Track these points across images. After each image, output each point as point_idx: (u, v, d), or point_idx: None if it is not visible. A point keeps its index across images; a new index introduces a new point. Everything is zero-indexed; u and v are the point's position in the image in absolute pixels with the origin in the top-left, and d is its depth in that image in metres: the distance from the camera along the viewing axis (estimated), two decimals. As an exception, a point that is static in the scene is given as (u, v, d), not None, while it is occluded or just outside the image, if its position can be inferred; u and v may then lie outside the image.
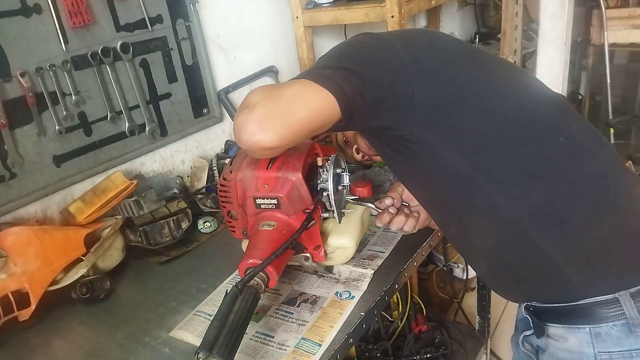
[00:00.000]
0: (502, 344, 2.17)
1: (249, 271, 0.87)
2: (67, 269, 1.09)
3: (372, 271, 1.05)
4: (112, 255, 1.18)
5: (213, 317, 0.80)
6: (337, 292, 1.02)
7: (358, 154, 1.24)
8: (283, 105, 0.77)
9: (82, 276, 1.09)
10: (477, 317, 1.82)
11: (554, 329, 0.87)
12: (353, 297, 1.00)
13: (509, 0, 2.26)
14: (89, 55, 1.25)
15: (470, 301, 2.38)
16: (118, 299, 1.12)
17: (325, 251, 1.03)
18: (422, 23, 2.65)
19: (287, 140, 0.78)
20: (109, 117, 1.32)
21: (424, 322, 1.82)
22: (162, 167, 1.51)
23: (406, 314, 1.79)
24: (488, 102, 0.85)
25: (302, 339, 0.91)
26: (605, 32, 2.62)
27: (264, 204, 0.98)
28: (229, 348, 0.76)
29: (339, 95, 0.77)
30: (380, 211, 1.04)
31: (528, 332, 0.92)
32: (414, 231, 1.06)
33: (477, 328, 1.84)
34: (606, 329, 0.81)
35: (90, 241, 1.14)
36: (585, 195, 0.82)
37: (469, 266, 2.38)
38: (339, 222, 1.02)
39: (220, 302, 1.00)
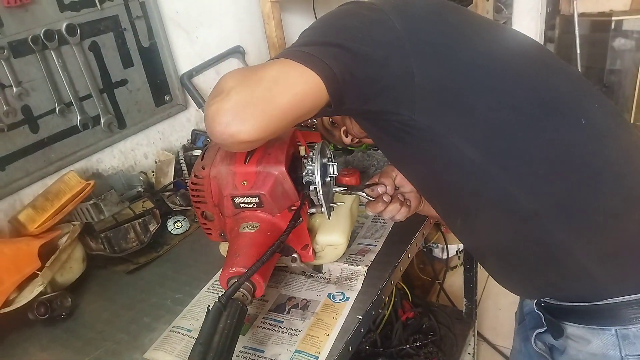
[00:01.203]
0: (485, 322, 2.16)
1: (233, 282, 0.77)
2: (21, 287, 0.96)
3: (366, 268, 0.97)
4: (71, 268, 1.05)
5: (195, 339, 0.69)
6: (329, 294, 0.93)
7: (347, 137, 1.13)
8: (262, 90, 0.66)
9: (40, 294, 0.96)
10: (464, 299, 1.78)
11: (573, 329, 0.79)
12: (347, 298, 0.91)
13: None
14: (29, 40, 1.08)
15: (452, 280, 2.37)
16: (82, 317, 0.99)
17: (314, 250, 0.93)
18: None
19: (268, 132, 0.67)
20: (57, 109, 1.16)
21: (411, 309, 1.76)
22: (123, 163, 1.36)
23: (392, 302, 1.73)
24: (499, 80, 0.74)
25: (297, 351, 0.82)
26: (575, 2, 2.58)
27: (243, 203, 0.87)
28: (218, 376, 0.66)
29: (326, 75, 0.66)
30: (373, 199, 0.94)
31: (540, 330, 0.85)
32: (403, 219, 0.98)
33: (464, 310, 1.80)
34: (635, 331, 0.74)
35: (46, 253, 1.00)
36: (610, 183, 0.74)
37: (448, 246, 2.36)
38: (329, 218, 0.92)
39: (202, 318, 0.90)
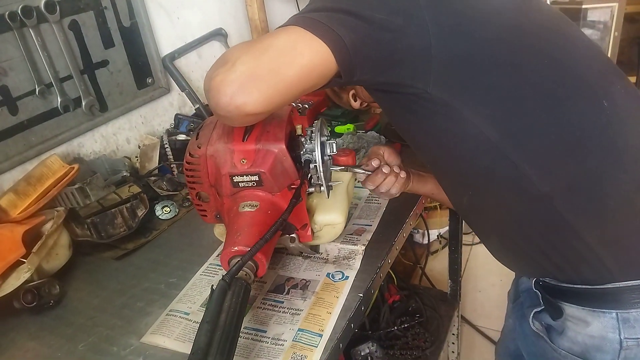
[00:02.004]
0: (465, 304, 2.20)
1: (236, 260, 0.75)
2: (6, 275, 0.91)
3: (363, 247, 0.96)
4: (57, 254, 1.00)
5: (202, 319, 0.67)
6: (328, 274, 0.92)
7: (355, 100, 1.10)
8: (268, 61, 0.64)
9: (26, 282, 0.91)
10: (449, 281, 1.80)
11: (572, 310, 0.80)
12: (347, 277, 0.91)
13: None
14: (6, 16, 1.03)
15: (432, 265, 2.40)
16: (71, 304, 0.95)
17: (312, 230, 0.92)
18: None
19: (274, 104, 0.66)
20: (37, 91, 1.11)
21: (397, 292, 1.78)
22: (105, 147, 1.32)
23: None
24: (523, 57, 0.71)
25: (300, 330, 0.81)
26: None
27: (242, 182, 0.85)
28: (226, 353, 0.65)
29: (336, 45, 0.64)
30: (370, 173, 0.94)
31: (538, 309, 0.85)
32: (398, 193, 0.98)
33: (448, 292, 1.83)
34: (635, 315, 0.74)
35: (30, 239, 0.96)
36: (627, 169, 0.73)
37: (429, 231, 2.39)
38: (328, 197, 0.91)
39: (199, 301, 0.89)
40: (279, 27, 0.68)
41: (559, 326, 0.83)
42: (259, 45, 0.66)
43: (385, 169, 0.94)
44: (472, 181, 0.80)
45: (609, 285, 0.75)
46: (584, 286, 0.77)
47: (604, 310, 0.76)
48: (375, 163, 0.94)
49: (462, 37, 0.69)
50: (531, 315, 0.86)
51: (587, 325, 0.78)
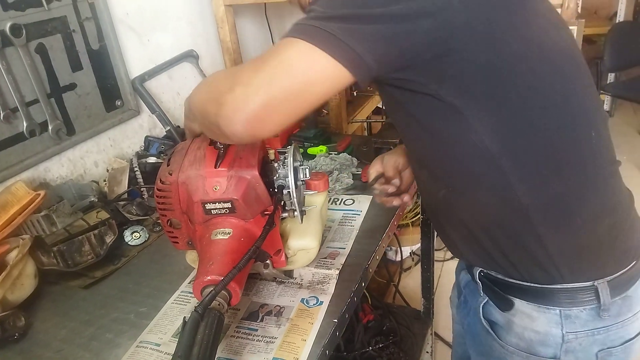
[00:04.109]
0: (438, 322, 2.22)
1: (209, 290, 0.74)
2: (-34, 308, 0.88)
3: (337, 271, 0.96)
4: (23, 285, 0.97)
5: (174, 353, 0.66)
6: (302, 299, 0.92)
7: None
8: (284, 89, 0.62)
9: (-12, 315, 0.88)
10: (422, 299, 1.82)
11: (519, 304, 0.84)
12: (321, 302, 0.91)
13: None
14: (-30, 40, 1.00)
15: (405, 282, 2.41)
16: (37, 336, 0.92)
17: (286, 255, 0.92)
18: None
19: (286, 126, 0.67)
20: (1, 116, 1.08)
21: (371, 311, 1.78)
22: (72, 172, 1.29)
23: (352, 305, 1.74)
24: (540, 79, 0.70)
25: (274, 359, 0.80)
26: None
27: (215, 209, 0.84)
28: (200, 388, 0.63)
29: (355, 66, 0.62)
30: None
31: (484, 300, 0.89)
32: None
33: (422, 310, 1.84)
34: (576, 312, 0.81)
35: (-7, 270, 0.93)
36: (597, 191, 0.77)
37: (402, 248, 2.41)
38: (301, 222, 0.91)
39: (170, 331, 0.88)
40: (289, 36, 0.64)
41: (506, 322, 0.87)
42: (271, 67, 0.63)
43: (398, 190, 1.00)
44: (456, 181, 0.81)
45: (557, 286, 0.80)
46: (532, 284, 0.82)
47: (549, 307, 0.81)
48: (391, 190, 1.00)
49: (491, 47, 0.66)
50: (481, 308, 0.90)
51: (533, 320, 0.83)
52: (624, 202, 0.82)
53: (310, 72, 0.63)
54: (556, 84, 0.72)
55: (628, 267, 0.81)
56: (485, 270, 0.89)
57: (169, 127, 1.45)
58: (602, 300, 0.79)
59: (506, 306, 0.86)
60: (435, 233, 1.63)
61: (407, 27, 0.62)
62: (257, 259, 0.86)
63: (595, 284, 0.79)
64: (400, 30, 0.62)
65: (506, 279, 0.85)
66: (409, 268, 2.49)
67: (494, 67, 0.67)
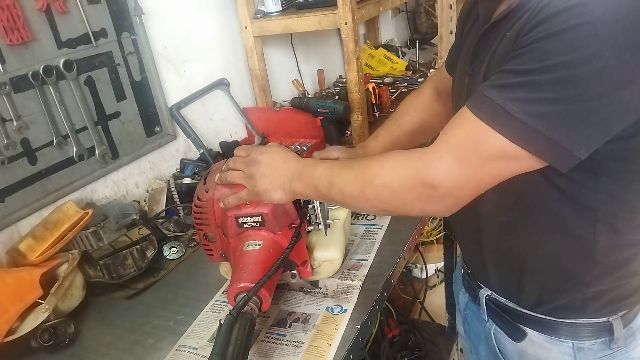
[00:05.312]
0: (467, 338, 2.22)
1: (242, 296, 0.81)
2: (24, 316, 0.97)
3: (360, 282, 1.02)
4: (72, 295, 1.06)
5: (211, 351, 0.74)
6: (327, 307, 0.98)
7: None
8: (480, 180, 0.66)
9: (43, 322, 0.97)
10: (447, 314, 1.84)
11: (531, 334, 0.84)
12: (345, 310, 0.96)
13: (443, 6, 2.33)
14: (29, 76, 1.13)
15: (431, 299, 2.43)
16: (85, 342, 1.00)
17: (311, 266, 0.99)
18: (361, 30, 2.68)
19: None
20: (55, 142, 1.20)
21: (396, 326, 1.82)
22: (115, 192, 1.40)
23: (378, 321, 1.78)
24: None
25: (302, 361, 0.86)
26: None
27: (247, 222, 0.92)
28: (234, 383, 0.70)
29: (554, 157, 0.61)
30: None
31: (491, 327, 0.90)
32: None
33: (447, 325, 1.86)
34: (589, 345, 0.82)
35: (46, 281, 1.02)
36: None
37: (427, 265, 2.43)
38: (325, 234, 0.98)
39: (206, 336, 0.95)
40: (488, 121, 0.61)
41: (517, 352, 0.88)
42: (472, 172, 0.64)
43: None
44: (535, 217, 0.77)
45: (574, 321, 0.81)
46: (548, 317, 0.82)
47: (562, 339, 0.82)
48: None
49: None
50: (493, 336, 0.91)
51: (547, 351, 0.83)
52: None
53: (503, 165, 0.65)
54: None
55: (639, 305, 0.83)
56: (493, 295, 0.89)
57: (202, 150, 1.56)
58: (616, 334, 0.80)
59: (518, 336, 0.86)
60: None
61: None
62: (285, 268, 0.93)
63: (610, 319, 0.80)
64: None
65: (520, 309, 0.85)
66: (435, 285, 2.50)
67: None
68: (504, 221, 0.80)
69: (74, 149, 1.25)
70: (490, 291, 0.91)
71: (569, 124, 0.57)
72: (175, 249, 1.25)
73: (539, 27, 0.57)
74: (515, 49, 0.61)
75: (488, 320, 0.92)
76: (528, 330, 0.85)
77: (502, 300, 0.88)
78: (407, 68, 2.38)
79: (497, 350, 0.92)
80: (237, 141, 1.77)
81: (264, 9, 1.68)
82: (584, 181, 0.69)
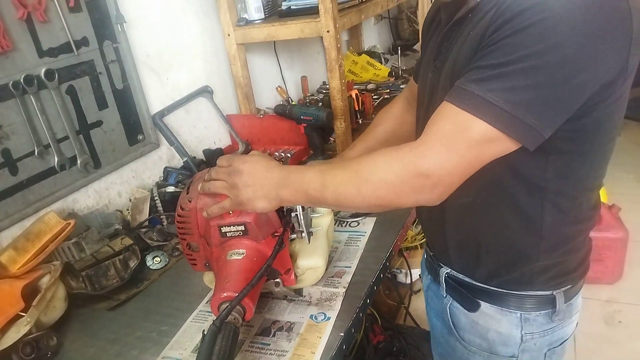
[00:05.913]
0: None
1: (225, 306, 0.82)
2: (5, 329, 0.96)
3: (344, 289, 1.03)
4: (54, 307, 1.05)
5: (194, 362, 0.73)
6: (311, 315, 0.98)
7: None
8: (468, 165, 0.70)
9: (24, 335, 0.96)
10: (431, 319, 1.85)
11: (484, 306, 0.91)
12: (329, 318, 0.97)
13: (424, 13, 2.37)
14: (10, 85, 1.12)
15: (416, 304, 2.44)
16: (68, 355, 1.00)
17: (295, 274, 0.99)
18: (344, 37, 2.70)
19: None
20: (36, 152, 1.19)
21: (381, 332, 1.83)
22: (97, 202, 1.39)
23: (362, 327, 1.79)
24: (617, 125, 0.76)
25: (286, 370, 0.87)
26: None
27: (230, 231, 0.93)
28: (218, 394, 0.70)
29: (529, 139, 0.67)
30: None
31: (448, 302, 0.96)
32: None
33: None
34: (534, 316, 0.89)
35: (28, 293, 1.01)
36: (597, 210, 0.88)
37: (411, 270, 2.45)
38: (309, 242, 0.99)
39: (190, 347, 0.95)
40: (470, 112, 0.67)
41: (469, 324, 0.93)
42: (463, 154, 0.68)
43: None
44: (491, 196, 0.83)
45: (523, 293, 0.88)
46: (500, 289, 0.88)
47: (512, 310, 0.88)
48: None
49: (626, 91, 0.72)
50: (448, 309, 0.97)
51: (497, 322, 0.90)
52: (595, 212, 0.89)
53: (484, 148, 0.70)
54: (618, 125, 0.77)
55: (580, 281, 0.91)
56: (452, 272, 0.95)
57: (186, 158, 1.55)
58: (558, 307, 0.88)
59: (472, 308, 0.92)
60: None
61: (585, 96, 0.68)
62: (269, 276, 0.93)
63: (554, 293, 0.87)
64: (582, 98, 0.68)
65: (475, 282, 0.91)
66: (419, 290, 2.52)
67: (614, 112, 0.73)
68: (465, 201, 0.85)
69: (56, 159, 1.24)
70: (449, 269, 0.96)
71: (540, 109, 0.65)
72: (158, 259, 1.25)
73: (506, 25, 0.64)
74: (485, 46, 0.67)
75: (446, 296, 0.98)
76: (481, 302, 0.91)
77: (460, 276, 0.94)
78: (389, 74, 2.41)
79: (451, 324, 0.98)
80: (220, 149, 1.77)
81: (247, 17, 1.69)
82: (535, 160, 0.75)
